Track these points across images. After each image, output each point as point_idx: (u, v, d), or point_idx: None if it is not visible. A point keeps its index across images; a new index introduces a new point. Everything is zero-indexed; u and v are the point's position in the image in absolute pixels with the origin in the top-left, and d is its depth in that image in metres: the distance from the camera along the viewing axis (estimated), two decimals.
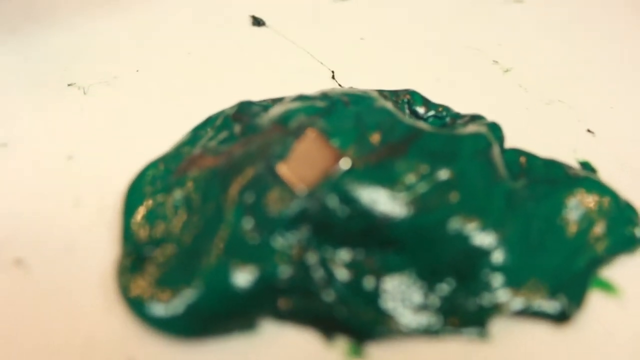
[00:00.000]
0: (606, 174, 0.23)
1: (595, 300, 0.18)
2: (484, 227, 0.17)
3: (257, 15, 0.33)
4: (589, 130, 0.26)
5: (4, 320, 0.16)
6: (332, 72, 0.28)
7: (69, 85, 0.26)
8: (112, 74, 0.27)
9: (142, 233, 0.18)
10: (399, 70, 0.29)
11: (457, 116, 0.24)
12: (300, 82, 0.27)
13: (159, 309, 0.16)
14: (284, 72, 0.28)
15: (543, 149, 0.24)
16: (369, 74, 0.28)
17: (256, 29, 0.32)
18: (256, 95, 0.25)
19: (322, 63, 0.28)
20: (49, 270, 0.18)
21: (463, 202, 0.17)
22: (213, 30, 0.31)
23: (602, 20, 0.35)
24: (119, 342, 0.16)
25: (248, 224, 0.16)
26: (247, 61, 0.29)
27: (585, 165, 0.24)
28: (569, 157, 0.24)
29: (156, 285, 0.16)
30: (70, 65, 0.27)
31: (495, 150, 0.20)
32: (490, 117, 0.25)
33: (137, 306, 0.16)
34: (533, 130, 0.26)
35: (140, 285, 0.16)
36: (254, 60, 0.29)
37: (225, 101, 0.24)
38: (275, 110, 0.20)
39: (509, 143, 0.24)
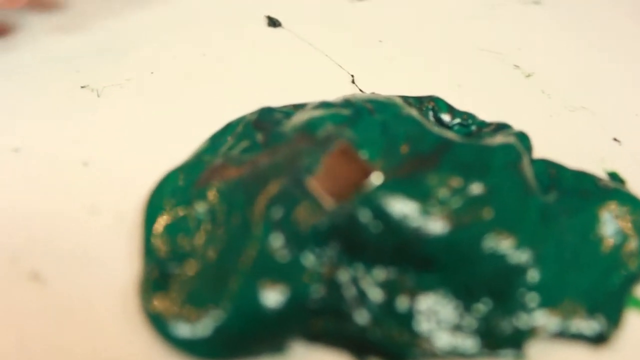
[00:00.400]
0: (635, 185, 0.23)
1: (632, 319, 0.18)
2: (519, 244, 0.16)
3: (273, 15, 0.32)
4: (615, 139, 0.25)
5: (21, 337, 0.16)
6: (352, 76, 0.27)
7: (82, 87, 0.25)
8: (126, 76, 0.26)
9: (164, 248, 0.17)
10: (419, 74, 0.28)
11: (482, 124, 0.23)
12: (319, 85, 0.26)
13: (185, 330, 0.15)
14: (302, 74, 0.27)
15: (569, 158, 0.23)
16: (388, 78, 0.27)
17: (272, 29, 0.31)
18: (272, 98, 0.24)
19: (340, 66, 0.28)
20: (67, 285, 0.17)
21: (497, 217, 0.17)
22: (228, 31, 0.30)
23: (622, 22, 0.35)
24: None
25: (277, 240, 0.16)
26: (263, 63, 0.28)
27: (614, 176, 0.23)
28: (597, 167, 0.24)
29: (181, 304, 0.15)
30: (83, 67, 0.26)
31: (526, 162, 0.19)
32: (514, 124, 0.24)
33: (161, 326, 0.15)
34: (558, 138, 0.25)
35: (165, 304, 0.15)
36: (270, 62, 0.28)
37: (242, 104, 0.24)
38: (299, 118, 0.20)
39: (537, 152, 0.23)
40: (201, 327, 0.15)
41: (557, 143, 0.25)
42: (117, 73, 0.26)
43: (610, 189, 0.21)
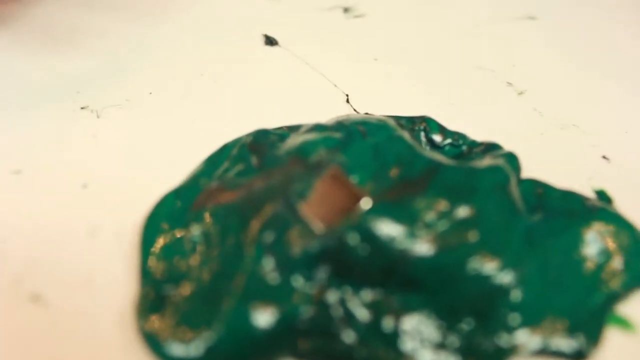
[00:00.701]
0: (622, 203, 0.23)
1: (612, 337, 0.18)
2: (504, 266, 0.17)
3: (270, 34, 0.33)
4: (604, 157, 0.26)
5: (23, 358, 0.16)
6: (347, 95, 0.28)
7: (82, 108, 0.26)
8: (124, 97, 0.27)
9: (160, 270, 0.18)
10: (413, 93, 0.29)
11: (473, 144, 0.23)
12: (315, 105, 0.27)
13: (179, 350, 0.16)
14: (297, 93, 0.28)
15: (558, 176, 0.24)
16: (383, 97, 0.28)
17: (269, 48, 0.32)
18: (270, 119, 0.25)
19: (335, 85, 0.28)
20: (68, 306, 0.18)
21: (482, 240, 0.17)
22: (226, 51, 0.31)
23: (616, 39, 0.35)
24: None
25: (268, 264, 0.16)
26: (260, 82, 0.29)
27: (601, 194, 0.23)
28: (584, 185, 0.24)
29: (176, 325, 0.16)
30: (82, 88, 0.27)
31: (513, 183, 0.20)
32: (505, 143, 0.25)
33: (156, 346, 0.16)
34: (548, 156, 0.26)
35: (160, 325, 0.16)
36: (267, 81, 0.29)
37: (239, 123, 0.24)
38: (293, 142, 0.20)
39: (526, 171, 0.24)
40: (194, 347, 0.16)
41: (547, 161, 0.25)
42: (117, 94, 0.27)
43: (597, 209, 0.21)
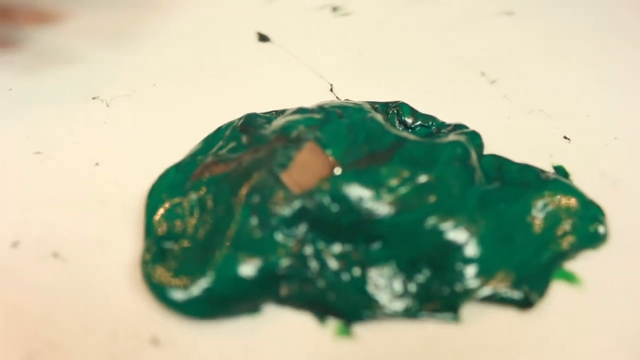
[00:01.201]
0: (579, 177, 0.26)
1: (559, 289, 0.21)
2: (457, 224, 0.20)
3: (264, 31, 0.36)
4: (565, 137, 0.29)
5: (45, 305, 0.19)
6: (331, 85, 0.30)
7: (93, 98, 0.29)
8: (131, 89, 0.30)
9: (162, 229, 0.20)
10: (394, 83, 0.31)
11: (442, 125, 0.26)
12: (301, 94, 0.30)
13: (178, 295, 0.18)
14: (287, 84, 0.31)
15: (522, 155, 0.26)
16: (365, 87, 0.31)
17: (262, 44, 0.34)
18: (261, 107, 0.28)
19: (321, 76, 0.31)
20: (82, 262, 0.21)
21: (439, 203, 0.20)
22: (222, 46, 0.33)
23: (586, 33, 0.38)
24: (144, 323, 0.19)
25: (254, 222, 0.19)
26: (254, 75, 0.31)
27: (559, 169, 0.26)
28: (546, 162, 0.27)
29: (175, 274, 0.19)
30: (93, 81, 0.30)
31: (472, 157, 0.23)
32: (474, 126, 0.27)
33: (159, 292, 0.18)
34: (514, 138, 0.28)
35: (162, 274, 0.19)
36: (260, 74, 0.31)
37: (233, 112, 0.27)
38: (278, 122, 0.23)
39: (492, 149, 0.26)
40: (191, 292, 0.18)
41: (513, 141, 0.28)
42: (124, 86, 0.30)
43: (550, 180, 0.24)
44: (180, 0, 0.38)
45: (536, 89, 0.32)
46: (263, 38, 0.35)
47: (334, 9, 0.39)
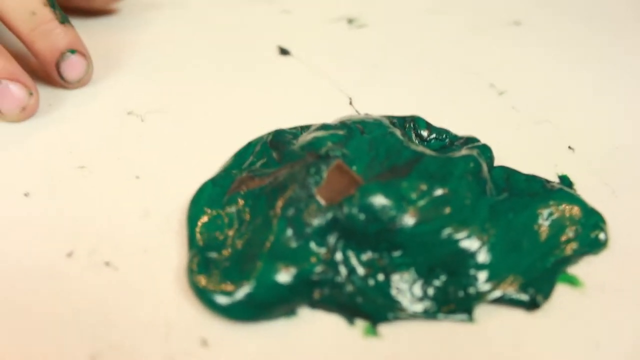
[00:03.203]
0: (582, 186, 0.28)
1: (562, 291, 0.23)
2: (470, 234, 0.22)
3: (283, 43, 0.38)
4: (569, 147, 0.31)
5: (103, 309, 0.21)
6: (350, 98, 0.33)
7: (128, 113, 0.31)
8: (162, 103, 0.32)
9: (204, 240, 0.23)
10: (407, 95, 0.34)
11: (455, 138, 0.28)
12: (322, 108, 0.32)
13: (223, 300, 0.20)
14: (308, 98, 0.33)
15: (529, 164, 0.28)
16: (381, 99, 0.33)
17: (283, 57, 0.36)
18: (285, 120, 0.30)
19: (340, 90, 0.33)
20: (132, 270, 0.23)
21: (454, 214, 0.22)
22: (247, 61, 0.36)
23: (592, 41, 0.40)
24: (193, 325, 0.21)
25: (289, 233, 0.21)
26: (277, 89, 0.33)
27: (564, 178, 0.28)
28: (551, 172, 0.29)
29: (219, 281, 0.21)
30: (127, 97, 0.32)
31: (484, 170, 0.25)
32: (484, 137, 0.29)
33: (205, 298, 0.21)
34: (521, 148, 0.30)
35: (207, 282, 0.21)
36: (282, 88, 0.33)
37: (260, 125, 0.29)
38: (305, 138, 0.25)
39: (501, 160, 0.28)
40: (235, 297, 0.21)
41: (520, 151, 0.30)
42: (155, 101, 0.32)
43: (555, 190, 0.26)
44: (204, 17, 0.40)
45: (543, 99, 0.34)
46: (284, 52, 0.37)
47: (350, 21, 0.41)
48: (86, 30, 0.36)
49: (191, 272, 0.21)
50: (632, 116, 0.33)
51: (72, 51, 0.31)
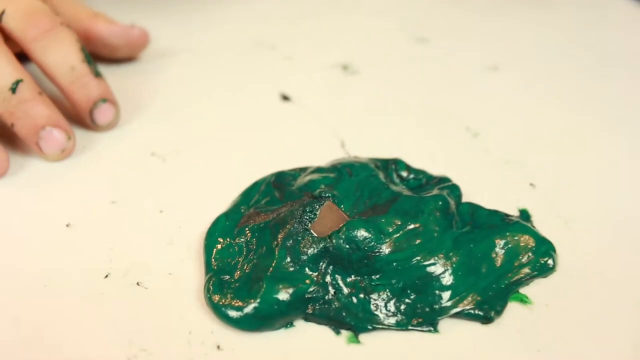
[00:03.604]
0: (538, 218, 0.33)
1: (513, 308, 0.28)
2: (436, 261, 0.27)
3: (285, 87, 0.43)
4: (531, 184, 0.35)
5: (135, 321, 0.26)
6: (342, 141, 0.38)
7: (151, 154, 0.36)
8: (181, 147, 0.37)
9: (218, 265, 0.28)
10: (393, 138, 0.38)
11: (430, 177, 0.33)
12: (318, 150, 0.37)
13: (234, 313, 0.25)
14: (306, 141, 0.38)
15: (493, 199, 0.33)
16: (369, 141, 0.38)
17: (284, 103, 0.42)
18: (286, 162, 0.35)
19: (334, 133, 0.38)
20: (159, 289, 0.28)
21: (423, 244, 0.27)
22: (253, 107, 0.41)
23: (560, 85, 0.44)
24: (209, 334, 0.26)
25: (288, 259, 0.26)
26: (279, 133, 0.38)
27: (523, 212, 0.33)
28: (512, 206, 0.33)
29: (231, 299, 0.26)
30: (148, 140, 0.37)
31: (451, 207, 0.30)
32: (457, 175, 0.34)
33: (219, 312, 0.26)
34: (489, 185, 0.35)
35: (221, 299, 0.26)
36: (284, 132, 0.38)
37: (264, 166, 0.34)
38: (302, 180, 0.30)
39: (470, 195, 0.33)
40: (243, 311, 0.25)
41: (487, 188, 0.34)
42: (175, 143, 0.37)
43: (512, 222, 0.30)
44: (214, 63, 0.46)
45: (513, 140, 0.38)
46: (285, 98, 0.42)
47: (344, 68, 0.46)
48: (113, 75, 0.41)
49: (208, 291, 0.26)
50: (589, 155, 0.37)
51: (104, 100, 0.36)
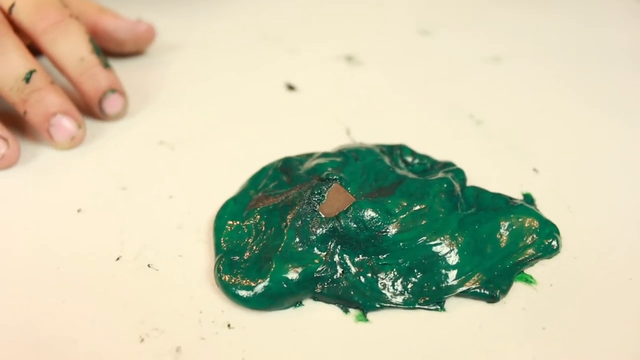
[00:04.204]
0: (542, 202, 0.33)
1: (518, 287, 0.28)
2: (442, 241, 0.27)
3: (290, 79, 0.44)
4: (534, 169, 0.36)
5: (147, 302, 0.27)
6: (347, 129, 0.38)
7: (160, 143, 0.37)
8: (189, 135, 0.37)
9: (228, 246, 0.28)
10: (397, 126, 0.39)
11: (434, 162, 0.34)
12: (324, 137, 0.37)
13: (244, 293, 0.26)
14: (312, 129, 0.38)
15: (498, 184, 0.33)
16: (374, 129, 0.38)
17: (290, 93, 0.42)
18: (293, 148, 0.35)
19: (339, 121, 0.39)
20: (170, 271, 0.28)
21: (429, 225, 0.28)
22: (260, 96, 0.41)
23: (561, 76, 0.45)
24: (220, 313, 0.26)
25: (297, 240, 0.27)
26: (286, 120, 0.39)
27: (527, 196, 0.33)
28: (517, 190, 0.34)
29: (241, 278, 0.26)
30: (158, 128, 0.38)
31: (456, 189, 0.30)
32: (461, 161, 0.35)
33: (230, 291, 0.26)
34: (493, 170, 0.35)
35: (231, 279, 0.26)
36: (290, 120, 0.39)
37: (272, 152, 0.35)
38: (309, 164, 0.31)
39: (475, 180, 0.34)
40: (252, 291, 0.26)
41: (491, 174, 0.35)
42: (183, 132, 0.38)
43: (516, 205, 0.31)
44: (221, 56, 0.46)
45: (515, 127, 0.39)
46: (291, 87, 0.42)
47: (349, 59, 0.47)
48: (120, 68, 0.42)
49: (218, 271, 0.27)
50: (591, 142, 0.38)
51: (112, 90, 0.37)
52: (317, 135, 0.37)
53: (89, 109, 0.38)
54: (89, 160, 0.35)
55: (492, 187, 0.33)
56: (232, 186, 0.33)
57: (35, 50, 0.37)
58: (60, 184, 0.33)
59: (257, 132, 0.38)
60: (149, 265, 0.28)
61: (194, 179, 0.34)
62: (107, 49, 0.44)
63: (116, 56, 0.45)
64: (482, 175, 0.34)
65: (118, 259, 0.29)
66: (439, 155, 0.35)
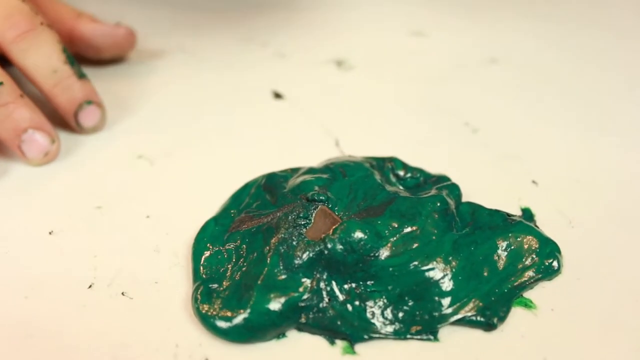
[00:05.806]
0: (542, 217, 0.31)
1: (517, 313, 0.26)
2: (435, 265, 0.26)
3: (278, 84, 0.42)
4: (533, 181, 0.34)
5: (120, 333, 0.25)
6: (337, 140, 0.36)
7: (138, 157, 0.35)
8: (169, 147, 0.36)
9: (207, 273, 0.26)
10: (389, 135, 0.37)
11: (428, 176, 0.32)
12: (312, 149, 0.35)
13: (223, 324, 0.24)
14: (299, 140, 0.36)
15: (495, 198, 0.32)
16: (365, 140, 0.37)
17: (276, 102, 0.40)
18: (278, 162, 0.34)
19: (328, 132, 0.37)
20: (145, 299, 0.26)
21: (421, 248, 0.26)
22: (244, 106, 0.39)
23: (561, 81, 0.43)
24: (197, 346, 0.24)
25: (280, 267, 0.25)
26: (271, 132, 0.37)
27: (525, 211, 0.32)
28: (515, 204, 0.32)
29: (220, 308, 0.24)
30: (138, 143, 0.36)
31: (450, 207, 0.28)
32: (456, 173, 0.33)
33: (208, 322, 0.24)
34: (490, 183, 0.34)
35: (209, 309, 0.25)
36: (275, 131, 0.37)
37: (255, 167, 0.33)
38: (294, 182, 0.29)
39: (470, 194, 0.32)
40: (233, 322, 0.24)
41: (488, 187, 0.33)
42: (163, 145, 0.36)
43: (515, 223, 0.29)
44: (205, 64, 0.44)
45: (513, 135, 0.37)
46: (277, 95, 0.41)
47: (339, 64, 0.45)
48: (98, 77, 0.40)
49: (196, 301, 0.25)
50: (593, 153, 0.36)
51: (89, 102, 0.35)
52: (304, 147, 0.36)
53: (64, 121, 0.36)
54: (63, 177, 0.33)
55: (489, 200, 0.31)
56: (213, 204, 0.31)
57: (5, 60, 0.35)
58: (31, 203, 0.31)
59: (241, 143, 0.36)
60: (122, 293, 0.27)
61: (173, 196, 0.32)
62: (86, 56, 0.42)
63: (95, 64, 0.43)
64: (478, 187, 0.33)
65: (90, 286, 0.27)
66: (433, 166, 0.34)
